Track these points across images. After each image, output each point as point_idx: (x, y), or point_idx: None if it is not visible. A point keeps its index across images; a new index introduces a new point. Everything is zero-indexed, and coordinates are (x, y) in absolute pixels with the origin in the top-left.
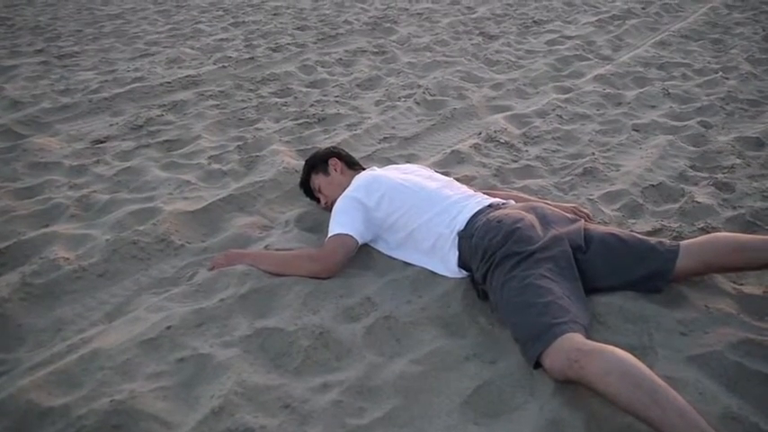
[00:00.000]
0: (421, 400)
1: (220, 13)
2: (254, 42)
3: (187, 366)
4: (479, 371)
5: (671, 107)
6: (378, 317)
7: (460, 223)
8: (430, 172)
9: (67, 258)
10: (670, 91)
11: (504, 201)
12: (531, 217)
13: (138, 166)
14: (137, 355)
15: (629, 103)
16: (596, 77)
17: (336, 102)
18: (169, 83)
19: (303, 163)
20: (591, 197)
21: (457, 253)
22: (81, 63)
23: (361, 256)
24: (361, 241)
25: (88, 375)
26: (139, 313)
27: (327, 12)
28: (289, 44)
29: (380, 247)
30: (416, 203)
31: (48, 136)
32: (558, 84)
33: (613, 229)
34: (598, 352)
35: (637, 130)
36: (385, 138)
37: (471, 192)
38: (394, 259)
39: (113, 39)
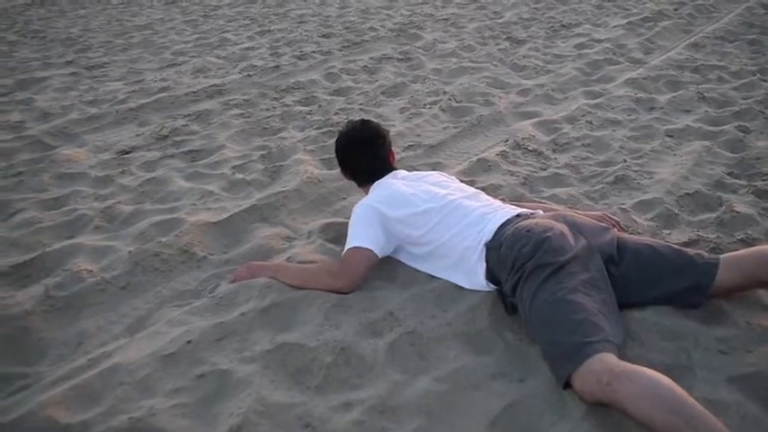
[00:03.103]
0: (445, 421)
1: (247, 21)
2: (280, 50)
3: (206, 383)
4: (506, 390)
5: (706, 111)
6: (401, 332)
7: (488, 234)
8: (456, 182)
9: (90, 270)
10: (705, 95)
11: (533, 210)
12: (561, 226)
13: (163, 176)
14: (156, 371)
15: (662, 107)
16: (627, 81)
17: (361, 109)
18: (195, 92)
19: (326, 172)
20: (623, 206)
21: (485, 265)
22: (109, 74)
23: (385, 267)
24: (381, 255)
25: (108, 391)
26: (160, 327)
27: (353, 19)
28: (314, 52)
29: (403, 258)
30: (442, 219)
31: (75, 147)
32: (587, 89)
33: (648, 239)
34: (630, 374)
35: (670, 136)
36: (410, 146)
37: (498, 203)
38: (418, 271)
39: (141, 49)
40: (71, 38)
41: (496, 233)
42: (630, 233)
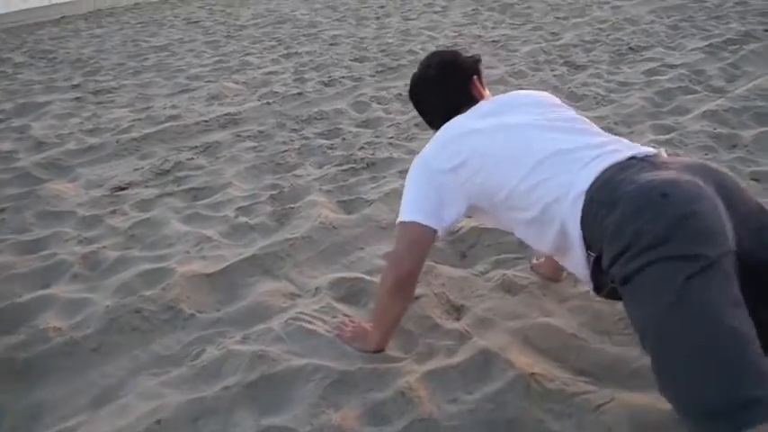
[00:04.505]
0: None
1: (273, 43)
2: (305, 75)
3: None
4: None
5: None
6: (413, 419)
7: (584, 181)
8: (548, 105)
9: (59, 329)
10: None
11: (654, 151)
12: (712, 197)
13: (158, 217)
14: None
15: (747, 145)
16: (705, 114)
17: (390, 144)
18: (206, 121)
19: (344, 216)
20: None
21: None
22: (116, 99)
23: (399, 335)
24: (438, 226)
25: None
26: (130, 400)
27: (390, 41)
28: (343, 77)
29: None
30: (511, 169)
31: (66, 181)
32: (657, 122)
33: None
34: None
35: (756, 180)
36: None
37: (605, 138)
38: (440, 342)
39: (154, 72)
40: (81, 59)
41: (599, 179)
42: None
